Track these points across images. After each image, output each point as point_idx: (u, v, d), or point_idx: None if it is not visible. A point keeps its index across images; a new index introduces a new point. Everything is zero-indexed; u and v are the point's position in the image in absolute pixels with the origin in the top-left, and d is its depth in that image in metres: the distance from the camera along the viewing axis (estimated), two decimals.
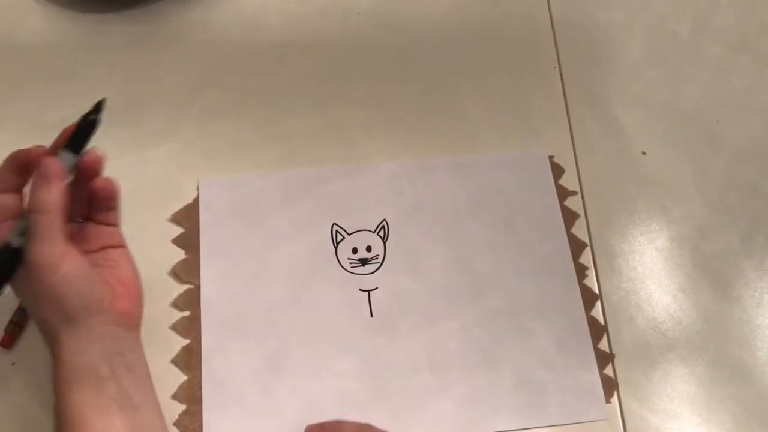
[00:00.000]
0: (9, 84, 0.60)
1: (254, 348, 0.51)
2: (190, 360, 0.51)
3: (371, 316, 0.53)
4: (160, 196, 0.56)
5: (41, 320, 0.42)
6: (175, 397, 0.50)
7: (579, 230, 0.57)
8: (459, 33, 0.65)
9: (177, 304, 0.52)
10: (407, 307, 0.53)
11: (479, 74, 0.63)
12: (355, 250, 0.55)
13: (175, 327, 0.52)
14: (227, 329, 0.52)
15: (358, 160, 0.59)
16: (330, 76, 0.62)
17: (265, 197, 0.56)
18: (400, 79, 0.62)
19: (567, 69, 0.63)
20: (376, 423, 0.48)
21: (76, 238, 0.45)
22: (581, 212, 0.58)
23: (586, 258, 0.56)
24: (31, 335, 0.51)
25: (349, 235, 0.55)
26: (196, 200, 0.56)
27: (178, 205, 0.56)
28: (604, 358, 0.52)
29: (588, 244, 0.56)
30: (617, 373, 0.52)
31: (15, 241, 0.40)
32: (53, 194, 0.40)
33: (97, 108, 0.43)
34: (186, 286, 0.53)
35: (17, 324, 0.51)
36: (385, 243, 0.55)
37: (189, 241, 0.54)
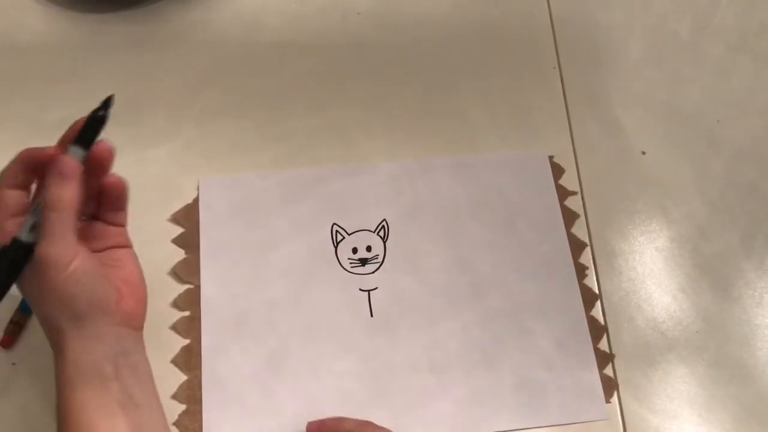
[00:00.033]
0: (9, 84, 0.60)
1: (254, 348, 0.51)
2: (190, 360, 0.51)
3: (371, 316, 0.53)
4: (160, 196, 0.56)
5: (46, 318, 0.42)
6: (175, 397, 0.50)
7: (579, 230, 0.57)
8: (459, 33, 0.65)
9: (177, 304, 0.52)
10: (407, 307, 0.53)
11: (479, 74, 0.63)
12: (355, 250, 0.55)
13: (175, 327, 0.52)
14: (227, 329, 0.52)
15: (358, 160, 0.59)
16: (330, 76, 0.62)
17: (265, 197, 0.56)
18: (400, 79, 0.62)
19: (567, 69, 0.63)
20: (376, 422, 0.48)
21: (82, 236, 0.44)
22: (581, 212, 0.58)
23: (586, 258, 0.56)
24: (31, 335, 0.51)
25: (349, 235, 0.55)
26: (196, 200, 0.56)
27: (178, 205, 0.56)
28: (604, 358, 0.52)
29: (588, 244, 0.56)
30: (617, 373, 0.52)
31: (26, 237, 0.40)
32: (69, 192, 0.40)
33: (106, 104, 0.43)
34: (186, 286, 0.53)
35: (17, 324, 0.51)
36: (385, 243, 0.55)
37: (189, 241, 0.54)
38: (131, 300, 0.44)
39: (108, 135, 0.44)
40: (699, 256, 0.57)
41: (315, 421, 0.48)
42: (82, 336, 0.41)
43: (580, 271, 0.55)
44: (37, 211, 0.40)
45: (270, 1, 0.65)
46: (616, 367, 0.53)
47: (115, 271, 0.45)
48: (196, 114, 0.60)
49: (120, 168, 0.46)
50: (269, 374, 0.51)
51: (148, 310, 0.46)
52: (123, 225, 0.47)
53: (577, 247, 0.56)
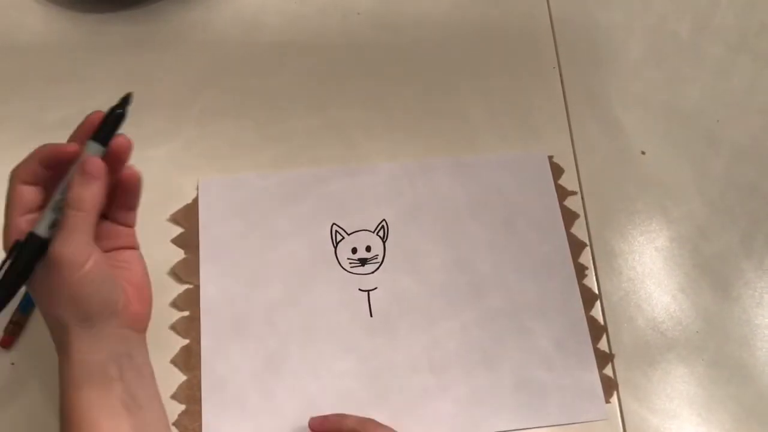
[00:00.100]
0: (9, 84, 0.60)
1: (254, 348, 0.51)
2: (189, 360, 0.51)
3: (371, 316, 0.53)
4: (159, 196, 0.56)
5: (53, 317, 0.42)
6: (174, 397, 0.50)
7: (579, 230, 0.57)
8: (459, 33, 0.65)
9: (176, 304, 0.52)
10: (407, 307, 0.53)
11: (479, 74, 0.63)
12: (354, 250, 0.55)
13: (174, 327, 0.52)
14: (227, 329, 0.52)
15: (358, 160, 0.59)
16: (330, 76, 0.62)
17: (264, 197, 0.56)
18: (400, 79, 0.62)
19: (567, 69, 0.63)
20: None
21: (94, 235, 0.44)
22: (581, 212, 0.58)
23: (585, 258, 0.56)
24: (31, 335, 0.51)
25: (348, 235, 0.55)
26: (196, 200, 0.56)
27: (177, 205, 0.56)
28: (603, 358, 0.52)
29: (588, 244, 0.56)
30: (617, 373, 0.52)
31: (44, 233, 0.40)
32: (93, 192, 0.40)
33: (125, 101, 0.43)
34: (185, 286, 0.53)
35: (17, 324, 0.51)
36: (384, 243, 0.55)
37: (189, 241, 0.54)
38: (137, 302, 0.44)
39: None
40: (699, 256, 0.57)
41: (317, 417, 0.48)
42: (89, 336, 0.41)
43: (580, 271, 0.55)
44: (57, 207, 0.40)
45: (270, 1, 0.65)
46: (616, 367, 0.52)
47: (122, 272, 0.45)
48: (196, 114, 0.60)
49: None
50: (269, 374, 0.51)
51: None
52: (132, 225, 0.46)
53: (576, 247, 0.56)
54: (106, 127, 0.42)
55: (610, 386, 0.52)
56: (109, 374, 0.41)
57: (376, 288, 0.54)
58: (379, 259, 0.55)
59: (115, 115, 0.42)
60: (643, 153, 0.60)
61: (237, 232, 0.55)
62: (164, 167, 0.57)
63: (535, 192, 0.58)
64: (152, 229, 0.54)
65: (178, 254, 0.54)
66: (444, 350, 0.52)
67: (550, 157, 0.59)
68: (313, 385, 0.50)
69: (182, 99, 0.60)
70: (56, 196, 0.41)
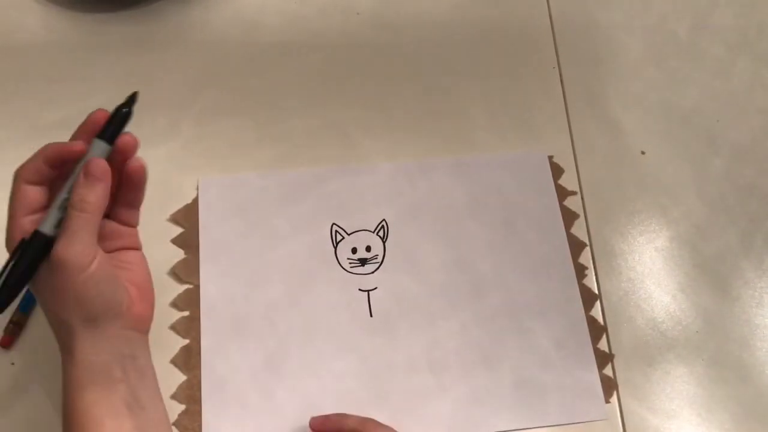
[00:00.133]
0: (9, 84, 0.60)
1: (254, 348, 0.51)
2: (189, 360, 0.51)
3: (371, 316, 0.53)
4: (159, 196, 0.56)
5: (57, 318, 0.42)
6: (174, 397, 0.50)
7: (578, 230, 0.57)
8: (459, 33, 0.65)
9: (176, 304, 0.52)
10: (407, 307, 0.53)
11: (479, 74, 0.63)
12: (354, 250, 0.55)
13: (174, 327, 0.52)
14: (227, 329, 0.52)
15: (358, 160, 0.59)
16: (330, 76, 0.62)
17: (264, 197, 0.56)
18: (400, 79, 0.62)
19: (566, 69, 0.63)
20: None
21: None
22: (581, 212, 0.58)
23: (585, 258, 0.56)
24: (31, 335, 0.51)
25: (348, 235, 0.55)
26: (196, 200, 0.56)
27: (177, 205, 0.56)
28: (603, 358, 0.52)
29: (587, 244, 0.56)
30: (617, 373, 0.52)
31: (49, 231, 0.40)
32: (97, 194, 0.40)
33: (131, 100, 0.43)
34: (185, 286, 0.53)
35: (17, 324, 0.51)
36: (384, 243, 0.55)
37: (188, 240, 0.54)
38: (141, 303, 0.44)
39: None
40: (698, 255, 0.57)
41: (318, 417, 0.48)
42: (93, 337, 0.41)
43: (580, 271, 0.55)
44: (63, 206, 0.40)
45: (270, 1, 0.65)
46: (616, 367, 0.53)
47: (125, 273, 0.45)
48: (195, 114, 0.60)
49: None
50: (269, 374, 0.51)
51: None
52: (135, 225, 0.46)
53: (576, 247, 0.56)
54: (112, 126, 0.42)
55: (609, 386, 0.52)
56: (112, 375, 0.41)
57: (376, 288, 0.54)
58: (379, 259, 0.55)
59: (122, 114, 0.42)
60: (642, 153, 0.60)
61: (237, 231, 0.55)
62: (164, 167, 0.57)
63: (535, 192, 0.58)
64: (152, 229, 0.54)
65: (178, 254, 0.54)
66: (444, 350, 0.52)
67: (550, 157, 0.59)
68: (313, 385, 0.50)
69: (182, 99, 0.60)
70: (62, 195, 0.41)
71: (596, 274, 0.56)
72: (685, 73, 0.64)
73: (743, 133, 0.62)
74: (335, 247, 0.55)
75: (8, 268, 0.40)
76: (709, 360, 0.53)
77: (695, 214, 0.58)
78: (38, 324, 0.51)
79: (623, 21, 0.66)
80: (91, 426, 0.40)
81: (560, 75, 0.63)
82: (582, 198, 0.58)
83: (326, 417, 0.48)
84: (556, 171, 0.59)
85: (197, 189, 0.56)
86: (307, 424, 0.49)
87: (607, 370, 0.52)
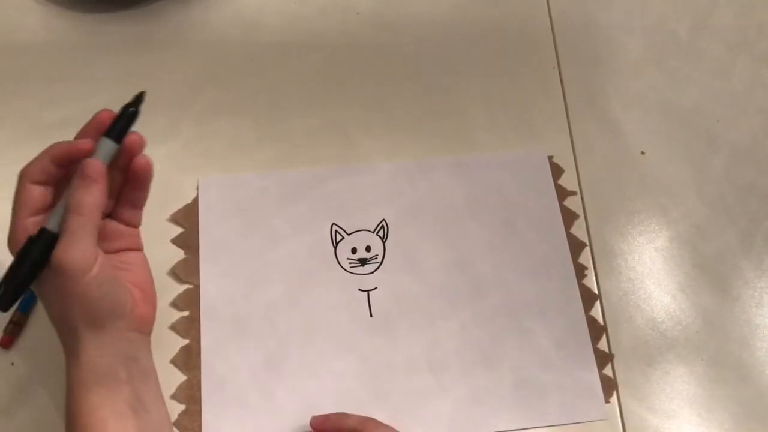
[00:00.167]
0: (9, 84, 0.60)
1: (254, 348, 0.51)
2: (189, 360, 0.51)
3: (371, 316, 0.53)
4: (159, 196, 0.55)
5: (62, 322, 0.41)
6: (174, 397, 0.50)
7: (578, 230, 0.57)
8: (458, 33, 0.65)
9: (176, 304, 0.52)
10: (406, 307, 0.53)
11: (479, 74, 0.63)
12: (354, 250, 0.55)
13: (174, 327, 0.52)
14: (227, 329, 0.52)
15: (358, 159, 0.59)
16: (330, 76, 0.62)
17: (264, 197, 0.56)
18: (400, 79, 0.62)
19: (566, 69, 0.63)
20: None
21: (98, 235, 0.44)
22: (580, 212, 0.58)
23: (585, 258, 0.56)
24: (31, 335, 0.51)
25: (348, 235, 0.55)
26: (196, 200, 0.56)
27: (177, 205, 0.56)
28: (603, 358, 0.52)
29: (587, 244, 0.56)
30: (616, 373, 0.52)
31: (56, 228, 0.40)
32: (93, 196, 0.40)
33: (138, 100, 0.43)
34: (185, 286, 0.53)
35: (17, 324, 0.51)
36: (384, 243, 0.55)
37: (188, 240, 0.54)
38: (144, 305, 0.44)
39: None
40: (698, 255, 0.57)
41: (319, 416, 0.48)
42: (98, 340, 0.41)
43: (580, 271, 0.55)
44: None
45: (269, 2, 0.65)
46: (616, 367, 0.53)
47: (127, 274, 0.44)
48: (195, 114, 0.60)
49: None
50: (269, 374, 0.51)
51: None
52: (137, 226, 0.46)
53: (576, 247, 0.56)
54: (119, 125, 0.42)
55: (609, 386, 0.52)
56: (117, 377, 0.41)
57: (375, 288, 0.54)
58: (379, 259, 0.55)
59: (129, 113, 0.43)
60: (642, 153, 0.60)
61: (237, 231, 0.55)
62: (164, 167, 0.57)
63: (535, 192, 0.58)
64: (152, 229, 0.54)
65: (178, 254, 0.54)
66: (444, 350, 0.52)
67: (550, 157, 0.59)
68: (313, 385, 0.50)
69: (182, 99, 0.60)
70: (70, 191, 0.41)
71: (596, 274, 0.56)
72: (685, 73, 0.64)
73: (743, 133, 0.62)
74: (335, 247, 0.55)
75: (16, 265, 0.40)
76: (709, 360, 0.53)
77: (695, 214, 0.58)
78: (38, 324, 0.51)
79: (623, 21, 0.66)
80: (95, 428, 0.40)
81: (560, 75, 0.63)
82: (582, 198, 0.58)
83: (326, 416, 0.48)
84: (556, 171, 0.59)
85: (197, 189, 0.56)
86: (307, 424, 0.49)
87: (607, 370, 0.52)
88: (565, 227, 0.57)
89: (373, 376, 0.51)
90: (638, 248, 0.57)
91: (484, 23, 0.65)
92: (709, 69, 0.64)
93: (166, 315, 0.52)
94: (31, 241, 0.40)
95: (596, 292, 0.55)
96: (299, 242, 0.55)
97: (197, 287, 0.53)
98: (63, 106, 0.59)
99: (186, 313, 0.52)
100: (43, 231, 0.40)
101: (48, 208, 0.42)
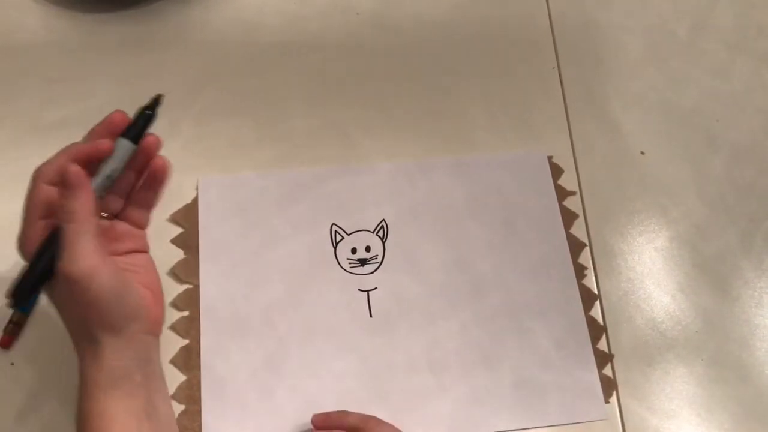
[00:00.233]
0: (8, 84, 0.60)
1: (253, 348, 0.51)
2: (189, 360, 0.51)
3: (370, 316, 0.53)
4: None
5: (77, 326, 0.41)
6: (174, 397, 0.50)
7: (578, 230, 0.57)
8: (458, 33, 0.65)
9: (176, 304, 0.52)
10: (406, 307, 0.53)
11: (479, 74, 0.63)
12: (354, 250, 0.55)
13: (174, 327, 0.52)
14: (226, 329, 0.52)
15: (358, 159, 0.59)
16: (329, 76, 0.62)
17: (264, 197, 0.56)
18: (400, 79, 0.62)
19: (566, 69, 0.63)
20: None
21: (106, 236, 0.44)
22: (580, 212, 0.58)
23: (585, 258, 0.56)
24: (31, 335, 0.51)
25: (348, 235, 0.55)
26: (196, 200, 0.56)
27: (177, 205, 0.56)
28: (603, 358, 0.52)
29: (587, 244, 0.56)
30: (616, 373, 0.52)
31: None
32: (81, 201, 0.39)
33: (155, 102, 0.44)
34: (185, 286, 0.53)
35: (17, 324, 0.51)
36: (384, 243, 0.55)
37: (188, 240, 0.54)
38: (155, 307, 0.44)
39: None
40: (698, 255, 0.57)
41: (320, 414, 0.48)
42: (116, 343, 0.41)
43: (579, 271, 0.55)
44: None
45: (269, 2, 0.65)
46: (615, 367, 0.53)
47: (137, 276, 0.44)
48: (195, 114, 0.60)
49: None
50: (268, 374, 0.51)
51: None
52: (145, 227, 0.46)
53: (576, 247, 0.56)
54: (136, 126, 0.43)
55: (609, 386, 0.52)
56: (133, 379, 0.41)
57: (375, 288, 0.54)
58: (379, 259, 0.55)
59: (147, 115, 0.43)
60: (642, 153, 0.60)
61: (237, 231, 0.55)
62: None
63: (535, 192, 0.58)
64: (152, 229, 0.54)
65: (178, 254, 0.54)
66: (444, 350, 0.52)
67: (550, 158, 0.59)
68: (313, 385, 0.50)
69: (182, 99, 0.60)
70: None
71: (596, 274, 0.56)
72: (685, 73, 0.64)
73: (743, 133, 0.62)
74: (335, 247, 0.55)
75: (37, 260, 0.40)
76: (709, 360, 0.53)
77: (695, 214, 0.58)
78: (38, 324, 0.51)
79: (623, 21, 0.66)
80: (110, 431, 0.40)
81: (560, 75, 0.63)
82: (581, 198, 0.58)
83: (328, 414, 0.48)
84: (556, 171, 0.59)
85: (197, 189, 0.56)
86: (307, 423, 0.49)
87: (607, 370, 0.52)
88: (565, 227, 0.57)
89: (373, 376, 0.51)
90: (638, 248, 0.57)
91: (484, 23, 0.65)
92: (708, 69, 0.64)
93: (166, 315, 0.51)
94: (52, 236, 0.40)
95: (596, 292, 0.55)
96: (299, 242, 0.55)
97: (197, 287, 0.53)
98: (63, 106, 0.59)
99: (186, 313, 0.52)
100: (56, 232, 0.40)
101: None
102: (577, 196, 0.58)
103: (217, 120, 0.60)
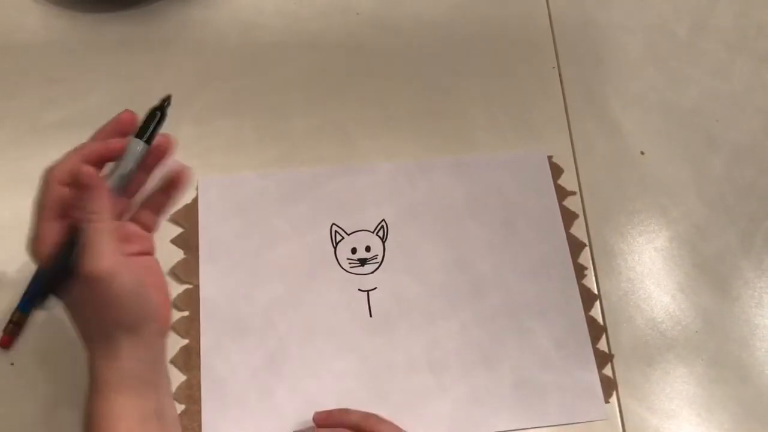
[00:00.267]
0: (8, 84, 0.60)
1: (253, 348, 0.51)
2: (189, 360, 0.51)
3: (370, 316, 0.53)
4: None
5: (93, 327, 0.41)
6: (174, 397, 0.49)
7: (578, 230, 0.57)
8: (458, 33, 0.65)
9: (176, 304, 0.52)
10: (406, 307, 0.53)
11: (479, 74, 0.63)
12: (354, 250, 0.55)
13: (174, 327, 0.52)
14: (226, 329, 0.52)
15: (358, 159, 0.59)
16: (329, 76, 0.62)
17: (264, 197, 0.56)
18: (400, 79, 0.62)
19: (566, 69, 0.63)
20: None
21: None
22: (580, 212, 0.58)
23: (585, 258, 0.56)
24: (31, 335, 0.51)
25: (348, 235, 0.55)
26: (196, 200, 0.56)
27: (177, 205, 0.56)
28: (603, 358, 0.52)
29: (587, 244, 0.56)
30: (616, 373, 0.52)
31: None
32: (100, 200, 0.39)
33: (164, 103, 0.44)
34: (185, 286, 0.53)
35: (17, 324, 0.51)
36: (384, 243, 0.55)
37: (188, 240, 0.54)
38: (163, 308, 0.44)
39: None
40: (698, 255, 0.57)
41: (322, 412, 0.48)
42: (133, 344, 0.41)
43: (579, 271, 0.55)
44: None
45: (269, 1, 0.65)
46: (615, 367, 0.53)
47: (147, 278, 0.44)
48: (195, 113, 0.60)
49: None
50: (268, 374, 0.51)
51: None
52: (153, 230, 0.46)
53: (576, 247, 0.56)
54: (148, 126, 0.43)
55: (609, 386, 0.52)
56: (146, 380, 0.41)
57: (375, 288, 0.54)
58: (379, 259, 0.55)
59: (158, 116, 0.44)
60: (642, 153, 0.60)
61: (237, 231, 0.55)
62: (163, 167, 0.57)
63: (535, 192, 0.58)
64: None
65: (178, 254, 0.54)
66: (443, 350, 0.52)
67: (550, 157, 0.59)
68: (313, 384, 0.50)
69: (181, 98, 0.60)
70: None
71: (596, 274, 0.56)
72: (685, 73, 0.64)
73: (743, 133, 0.62)
74: (335, 247, 0.55)
75: (64, 259, 0.39)
76: (709, 360, 0.53)
77: (695, 214, 0.58)
78: (38, 324, 0.51)
79: (623, 21, 0.66)
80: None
81: (560, 75, 0.63)
82: (581, 198, 0.58)
83: (329, 412, 0.48)
84: (556, 171, 0.59)
85: (197, 189, 0.56)
86: (307, 423, 0.49)
87: (607, 370, 0.52)
88: (565, 227, 0.57)
89: (373, 376, 0.51)
90: (638, 248, 0.57)
91: (484, 23, 0.65)
92: (708, 69, 0.64)
93: None
94: (69, 244, 0.39)
95: (596, 292, 0.55)
96: (299, 242, 0.55)
97: (197, 287, 0.53)
98: (63, 106, 0.59)
99: (186, 313, 0.52)
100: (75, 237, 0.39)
101: (72, 210, 0.41)
102: (577, 196, 0.58)
103: (217, 120, 0.60)
